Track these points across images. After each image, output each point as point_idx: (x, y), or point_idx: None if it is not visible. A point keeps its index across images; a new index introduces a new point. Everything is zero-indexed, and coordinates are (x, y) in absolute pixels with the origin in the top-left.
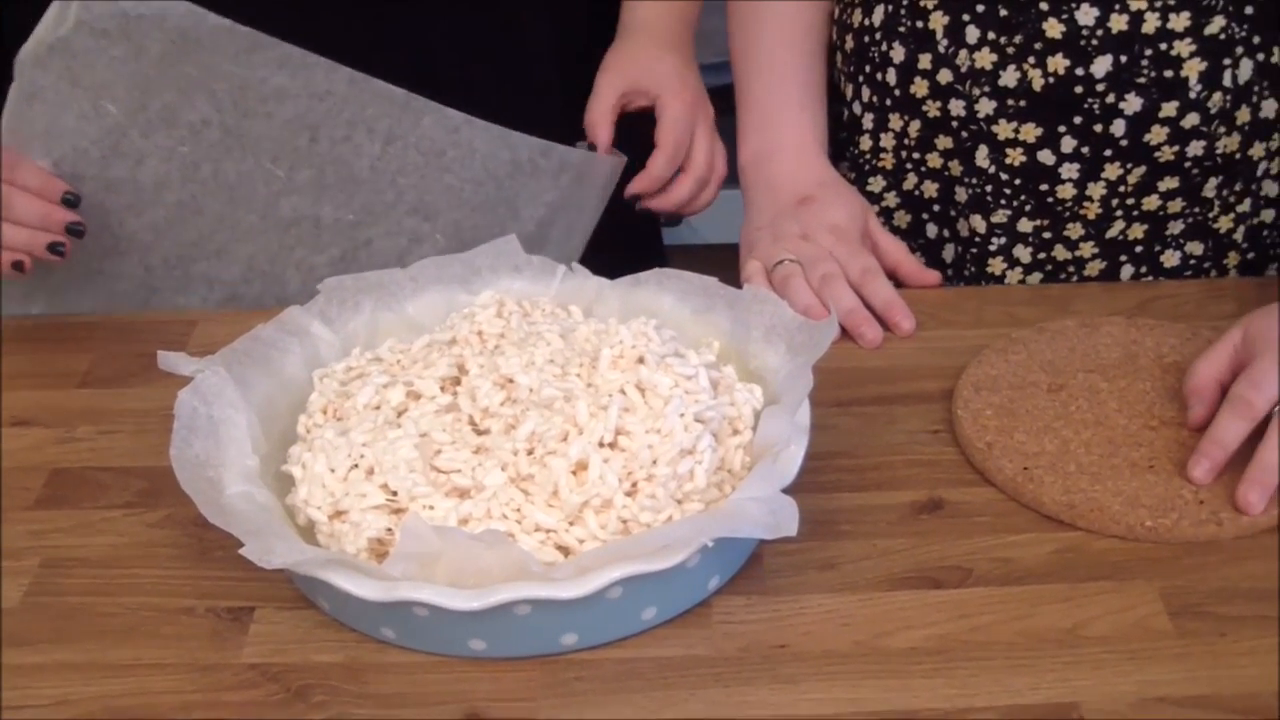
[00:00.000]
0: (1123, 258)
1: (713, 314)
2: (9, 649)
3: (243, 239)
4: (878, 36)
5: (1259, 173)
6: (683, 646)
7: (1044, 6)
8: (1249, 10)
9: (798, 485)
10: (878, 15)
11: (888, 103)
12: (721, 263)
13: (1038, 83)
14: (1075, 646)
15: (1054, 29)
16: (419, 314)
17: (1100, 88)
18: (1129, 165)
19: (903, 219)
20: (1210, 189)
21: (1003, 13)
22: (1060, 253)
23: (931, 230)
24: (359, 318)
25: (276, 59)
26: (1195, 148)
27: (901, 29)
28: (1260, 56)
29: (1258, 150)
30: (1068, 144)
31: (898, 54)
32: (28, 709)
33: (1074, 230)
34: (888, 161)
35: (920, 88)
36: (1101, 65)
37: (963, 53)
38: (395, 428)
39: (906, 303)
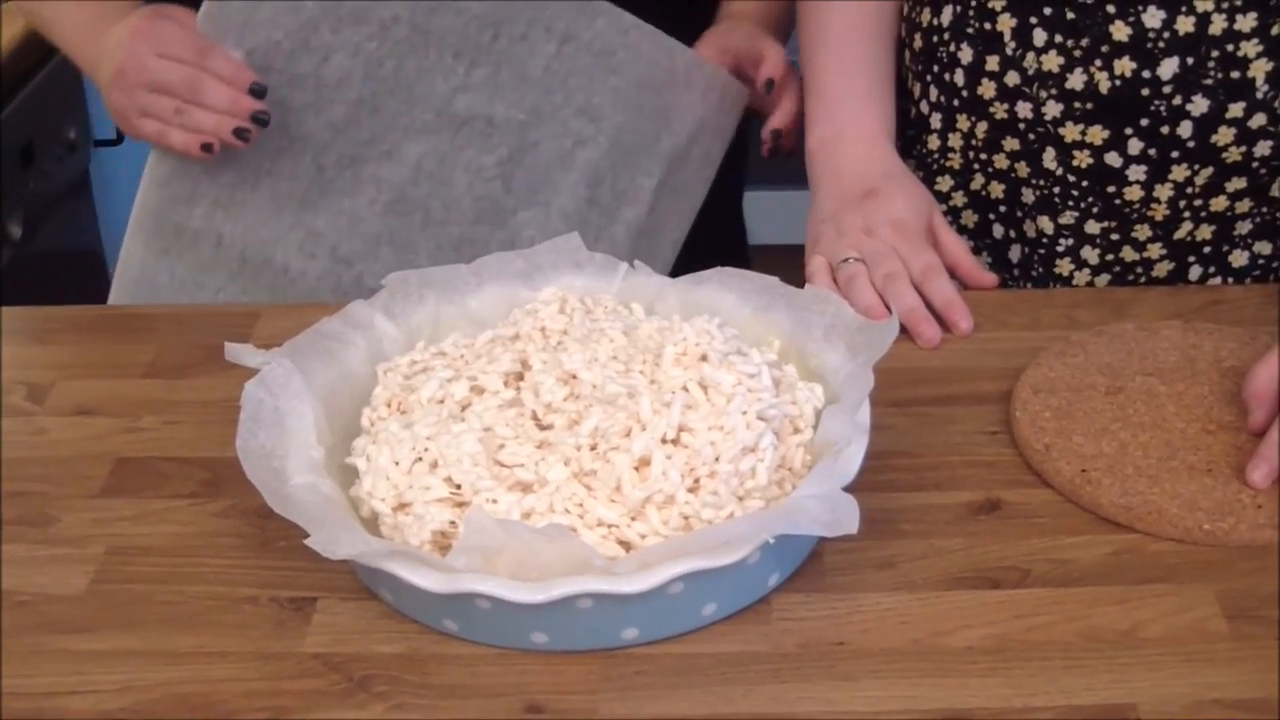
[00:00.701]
0: (1190, 259)
1: (773, 313)
2: (74, 635)
3: (415, 138)
4: (946, 37)
5: None
6: (742, 642)
7: (1111, 9)
8: None
9: (856, 484)
10: (946, 15)
11: (955, 103)
12: (780, 263)
13: (1104, 85)
14: (1131, 648)
15: (1120, 31)
16: (481, 309)
17: (1167, 89)
18: (1196, 166)
19: (970, 219)
20: (1278, 189)
21: (1070, 15)
22: (1128, 254)
23: (998, 231)
24: (422, 311)
25: None
26: (1263, 148)
27: (969, 30)
28: None
29: None
30: (1134, 146)
31: (965, 55)
32: (91, 694)
33: (1141, 232)
34: (955, 161)
35: (987, 89)
36: (1168, 67)
37: (1030, 55)
38: (459, 422)
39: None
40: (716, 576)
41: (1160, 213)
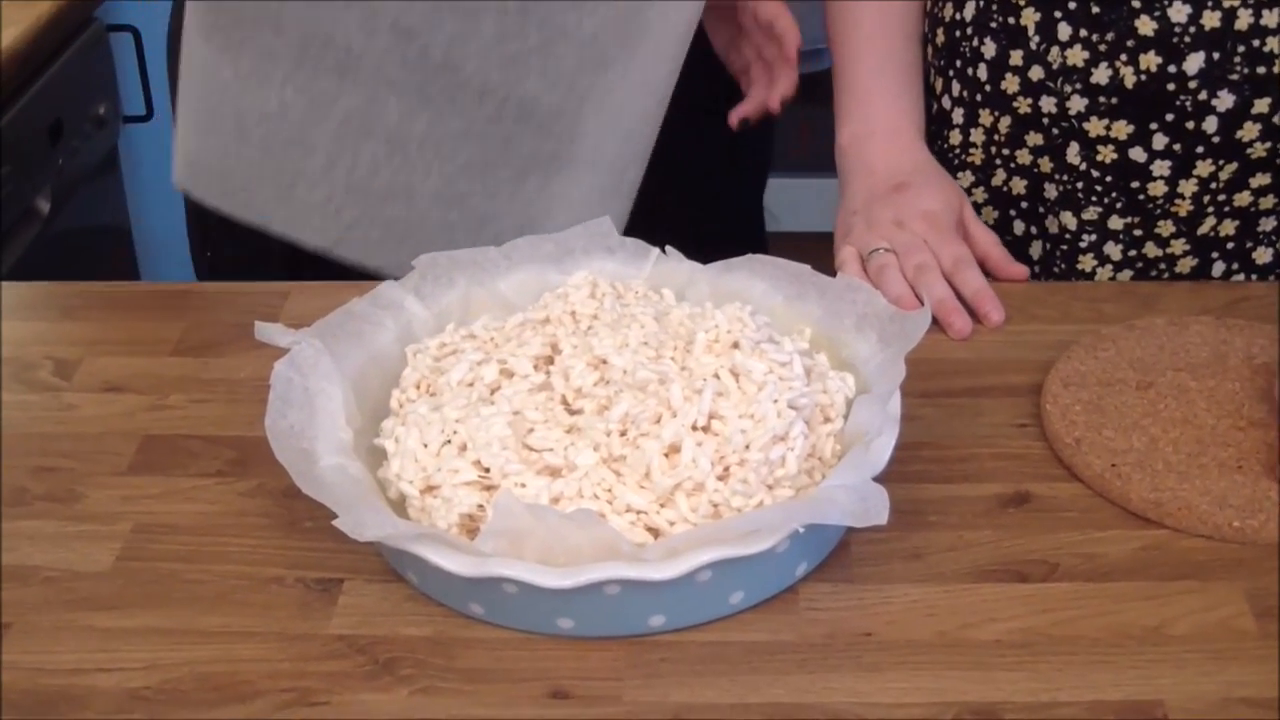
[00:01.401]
0: (1214, 255)
1: (804, 302)
2: (101, 612)
3: None
4: (969, 31)
5: None
6: (769, 631)
7: (1136, 4)
8: None
9: (884, 475)
10: (969, 10)
11: (978, 98)
12: (809, 251)
13: (1130, 80)
14: (1159, 644)
15: (1146, 26)
16: (511, 292)
17: (1193, 85)
18: (1221, 162)
19: (990, 215)
20: None
21: (1095, 9)
22: (1151, 250)
23: (1019, 227)
24: (452, 294)
25: None
26: None
27: (993, 24)
28: None
29: None
30: (1159, 141)
31: (989, 49)
32: (117, 671)
33: (1165, 228)
34: (977, 157)
35: (1011, 84)
36: (1194, 62)
37: (1054, 49)
38: (488, 405)
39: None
40: (745, 565)
41: (1184, 208)
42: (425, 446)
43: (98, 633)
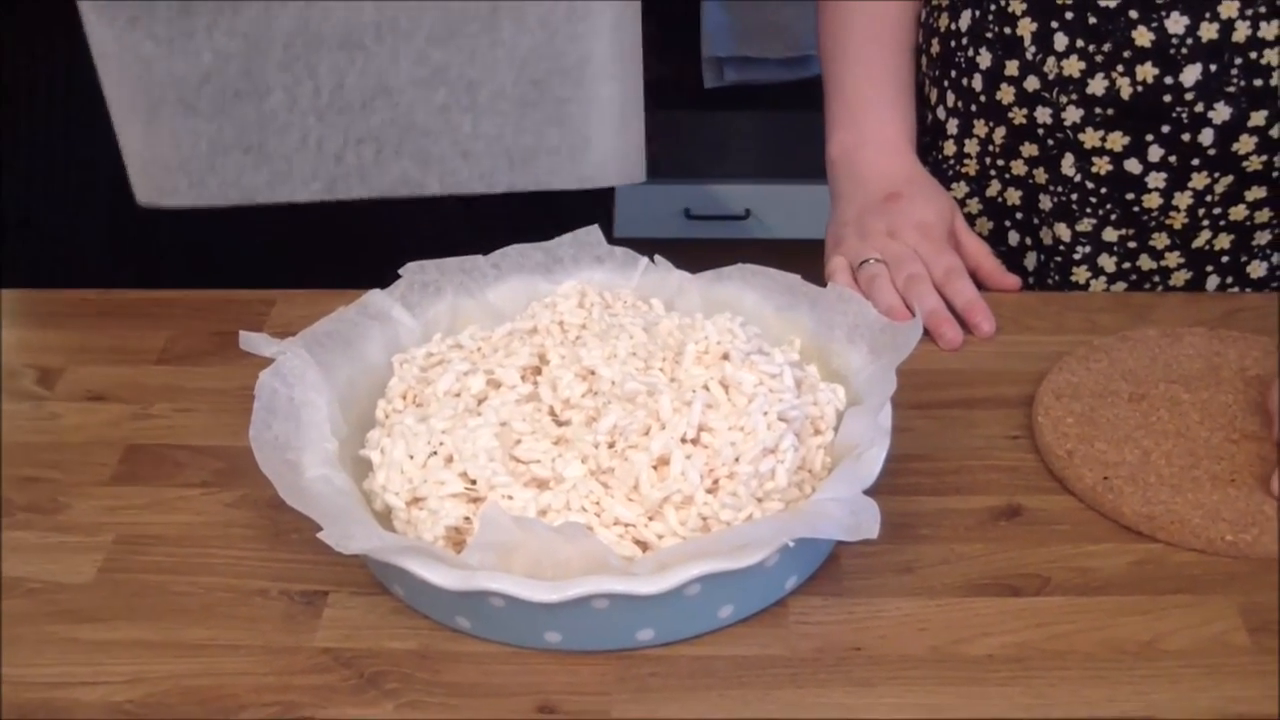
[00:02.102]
0: (1208, 268)
1: (795, 312)
2: (84, 624)
3: None
4: (964, 41)
5: None
6: (758, 645)
7: (1133, 14)
8: None
9: (875, 487)
10: (964, 20)
11: (972, 108)
12: (797, 258)
13: (1126, 91)
14: (1153, 659)
15: (1143, 37)
16: (500, 302)
17: (1189, 96)
18: (1216, 175)
19: (984, 226)
20: None
21: (1092, 20)
22: (1145, 262)
23: (1014, 238)
24: (440, 304)
25: None
26: None
27: (989, 35)
28: None
29: None
30: (1155, 153)
31: (984, 60)
32: (100, 685)
33: (1159, 240)
34: (971, 168)
35: (1006, 94)
36: (1191, 74)
37: (1050, 60)
38: (475, 416)
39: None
40: (734, 579)
41: (1179, 221)
42: (411, 458)
43: (81, 645)
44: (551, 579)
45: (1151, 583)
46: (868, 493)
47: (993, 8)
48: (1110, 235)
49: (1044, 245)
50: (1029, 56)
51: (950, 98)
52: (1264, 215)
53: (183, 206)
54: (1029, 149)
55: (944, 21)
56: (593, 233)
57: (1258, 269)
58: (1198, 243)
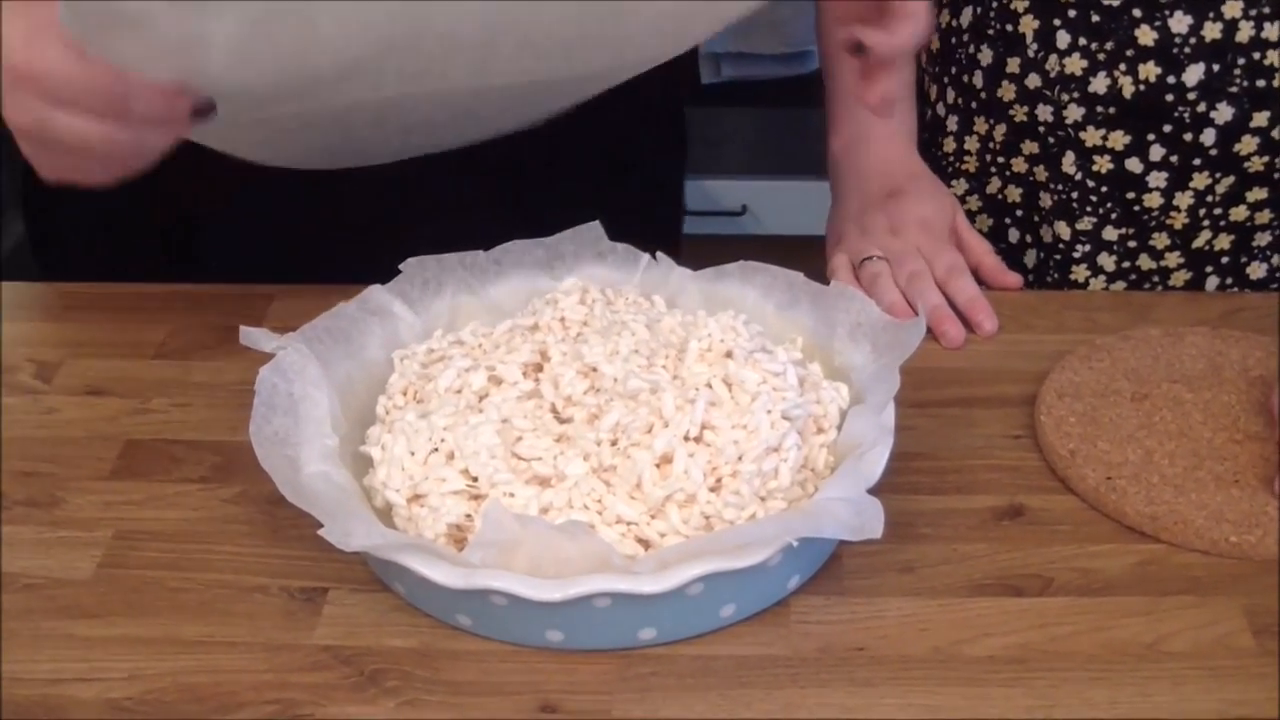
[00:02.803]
0: (1208, 269)
1: (797, 310)
2: (81, 620)
3: None
4: (965, 38)
5: None
6: (760, 645)
7: (1137, 13)
8: None
9: (877, 486)
10: (966, 16)
11: (973, 105)
12: (796, 255)
13: (1128, 90)
14: (1156, 661)
15: (1146, 36)
16: (501, 298)
17: (1191, 96)
18: (1218, 175)
19: (984, 223)
20: None
21: (1094, 18)
22: (1145, 262)
23: (1014, 235)
24: (440, 300)
25: None
26: None
27: (990, 31)
28: None
29: None
30: (1156, 152)
31: (985, 57)
32: (98, 681)
33: (1160, 240)
34: (971, 165)
35: (1007, 92)
36: (1193, 73)
37: (1052, 58)
38: (477, 413)
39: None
40: (736, 578)
41: (1179, 221)
42: (412, 454)
43: (78, 641)
44: (553, 577)
45: (1154, 584)
46: (871, 491)
47: (994, 4)
48: (1110, 234)
49: (1044, 243)
50: (1031, 54)
51: (950, 94)
52: (1265, 216)
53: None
54: (1030, 147)
55: (945, 17)
56: (594, 229)
57: (1258, 270)
58: (1198, 243)
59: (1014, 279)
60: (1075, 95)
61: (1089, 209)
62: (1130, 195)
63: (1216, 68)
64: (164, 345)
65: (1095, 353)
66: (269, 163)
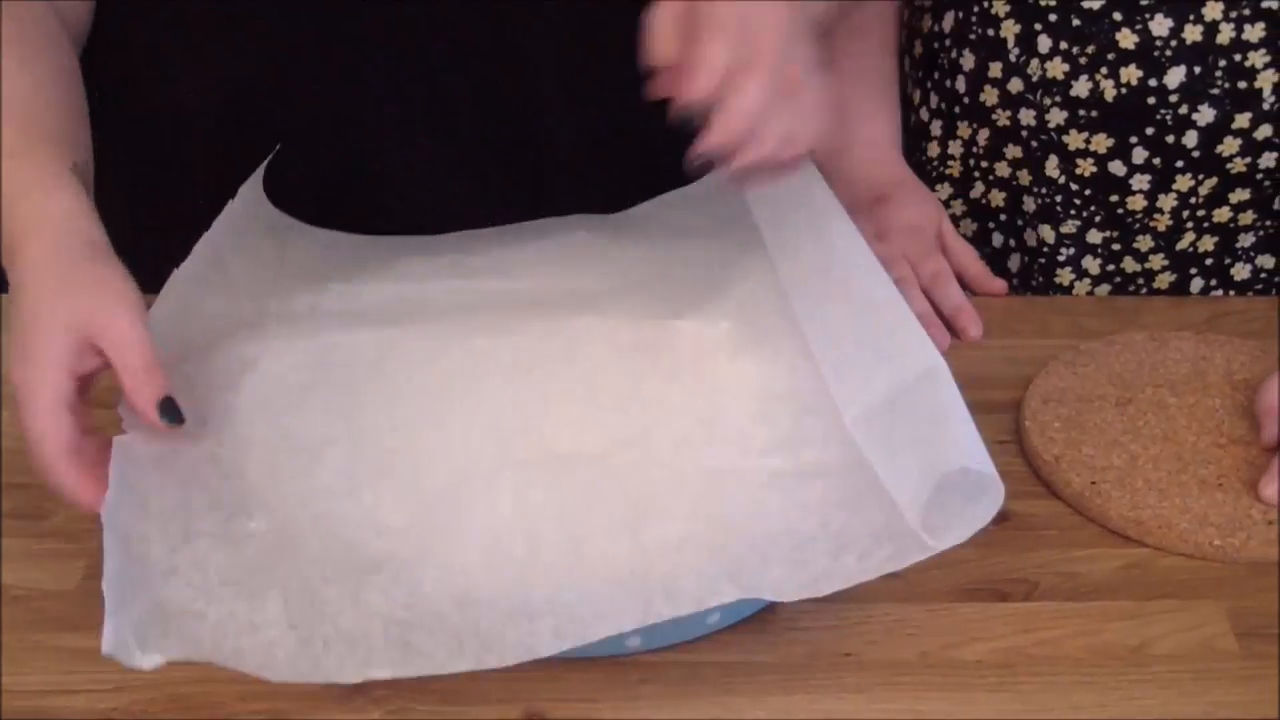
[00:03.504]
0: (1192, 270)
1: None
2: (69, 632)
3: None
4: (948, 43)
5: None
6: (747, 652)
7: (1117, 16)
8: None
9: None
10: (948, 22)
11: (956, 110)
12: None
13: (1110, 93)
14: (1142, 664)
15: (1127, 39)
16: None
17: (1173, 99)
18: (1200, 177)
19: (969, 228)
20: None
21: (1075, 22)
22: (1129, 265)
23: (997, 240)
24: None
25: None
26: (1268, 159)
27: (972, 36)
28: None
29: None
30: (1139, 155)
31: (968, 61)
32: (85, 693)
33: (1144, 242)
34: (955, 169)
35: (990, 96)
36: (1175, 76)
37: (1034, 62)
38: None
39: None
40: None
41: (1163, 223)
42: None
43: (66, 653)
44: None
45: (1139, 587)
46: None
47: (975, 9)
48: (1094, 237)
49: (1028, 247)
50: (1012, 58)
51: (933, 99)
52: (1247, 217)
53: None
54: (1013, 151)
55: (927, 23)
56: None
57: (1241, 271)
58: (1182, 245)
59: (999, 285)
60: (1057, 99)
61: (1073, 212)
62: (1114, 198)
63: (1198, 70)
64: None
65: (1080, 358)
66: None
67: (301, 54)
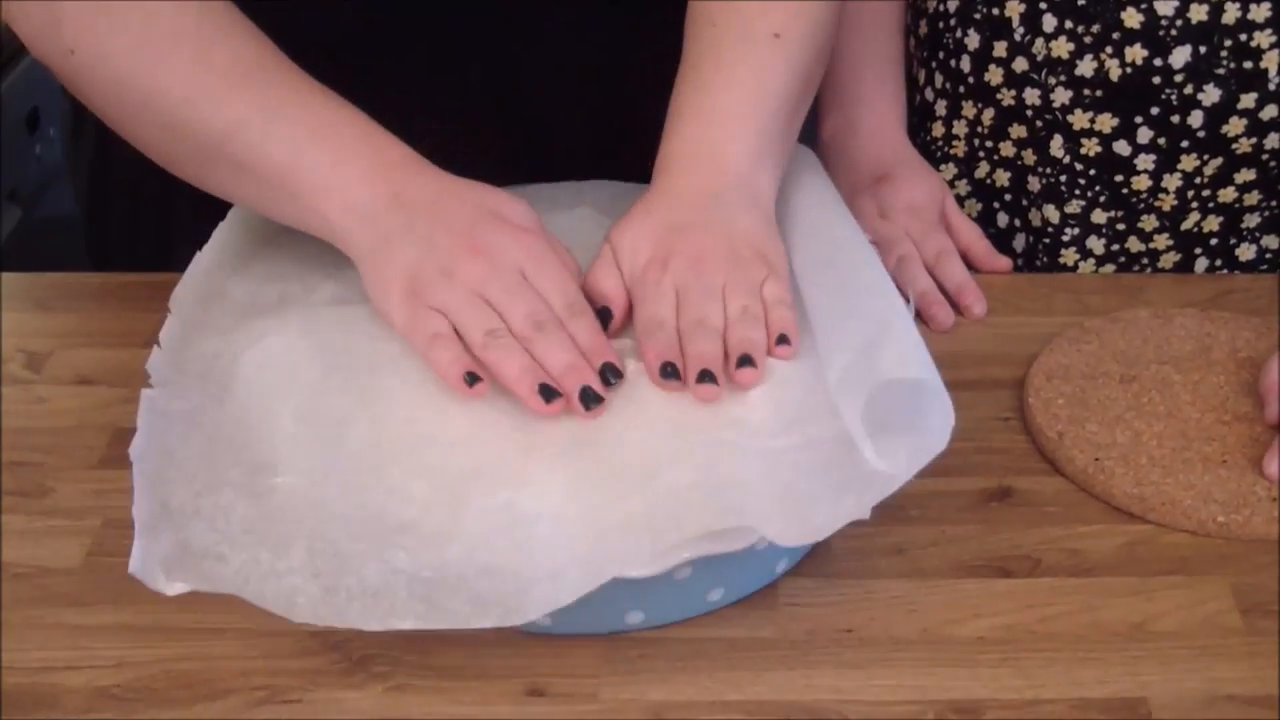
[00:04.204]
0: (1197, 250)
1: None
2: (70, 608)
3: None
4: (952, 23)
5: None
6: (749, 628)
7: None
8: None
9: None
10: (952, 1)
11: (961, 90)
12: None
13: (1115, 73)
14: (1144, 641)
15: (1132, 19)
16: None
17: (1178, 78)
18: (1205, 157)
19: (973, 208)
20: None
21: (1080, 1)
22: (1134, 244)
23: (1002, 219)
24: None
25: None
26: (1273, 140)
27: (977, 15)
28: None
29: None
30: (1144, 135)
31: (972, 41)
32: (86, 669)
33: (1149, 222)
34: (960, 149)
35: (995, 76)
36: (1180, 56)
37: (1039, 41)
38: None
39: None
40: (725, 562)
41: (1168, 203)
42: None
43: (67, 630)
44: None
45: (1143, 564)
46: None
47: None
48: (1099, 217)
49: (1032, 227)
50: (1017, 38)
51: (938, 79)
52: (1253, 198)
53: None
54: (1018, 130)
55: (932, 3)
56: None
57: (1246, 251)
58: (1186, 225)
59: (1003, 262)
60: (1062, 78)
61: (1077, 192)
62: (1118, 178)
63: (1203, 49)
64: (154, 334)
65: (1084, 335)
66: None
67: (305, 44)
